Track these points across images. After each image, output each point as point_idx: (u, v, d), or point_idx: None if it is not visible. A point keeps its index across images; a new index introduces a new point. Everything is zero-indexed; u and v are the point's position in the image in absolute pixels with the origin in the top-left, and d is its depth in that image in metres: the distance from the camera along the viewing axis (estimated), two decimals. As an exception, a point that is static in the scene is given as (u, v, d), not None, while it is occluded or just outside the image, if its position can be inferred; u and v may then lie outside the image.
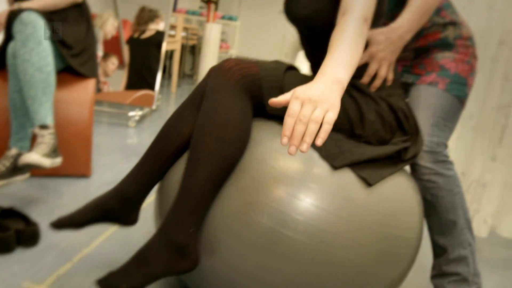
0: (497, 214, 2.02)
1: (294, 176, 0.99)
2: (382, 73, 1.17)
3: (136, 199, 1.18)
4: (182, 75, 5.04)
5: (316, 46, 1.26)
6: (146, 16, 3.74)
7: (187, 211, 1.00)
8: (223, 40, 5.46)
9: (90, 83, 2.03)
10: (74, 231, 1.56)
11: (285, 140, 0.74)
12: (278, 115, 1.14)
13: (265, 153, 1.03)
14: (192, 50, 5.28)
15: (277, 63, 1.15)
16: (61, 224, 1.15)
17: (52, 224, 1.15)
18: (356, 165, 1.05)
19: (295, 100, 0.76)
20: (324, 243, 0.95)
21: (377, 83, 1.17)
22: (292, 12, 1.25)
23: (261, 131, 1.09)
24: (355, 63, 0.87)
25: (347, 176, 1.01)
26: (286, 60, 8.47)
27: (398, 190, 1.08)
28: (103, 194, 1.18)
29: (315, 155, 1.03)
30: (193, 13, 6.47)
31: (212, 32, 4.24)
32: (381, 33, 1.17)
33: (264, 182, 0.99)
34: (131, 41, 3.66)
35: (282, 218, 0.96)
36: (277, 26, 8.45)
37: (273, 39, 8.49)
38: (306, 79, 1.13)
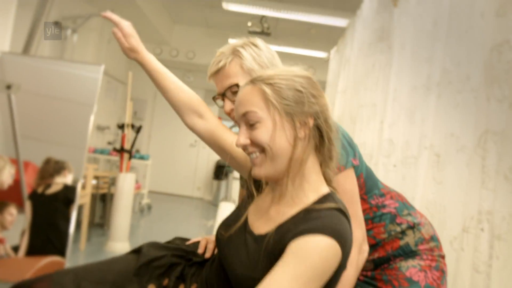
0: None
1: None
2: None
3: None
4: (92, 224, 4.58)
5: None
6: (51, 168, 3.33)
7: None
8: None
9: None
10: None
11: None
12: None
13: None
14: (103, 197, 4.89)
15: None
16: None
17: None
18: None
19: None
20: None
21: None
22: (226, 263, 1.11)
23: None
24: None
25: None
26: (199, 193, 8.27)
27: None
28: None
29: None
30: (102, 152, 6.09)
31: (126, 182, 3.94)
32: None
33: None
34: (34, 197, 3.18)
35: None
36: (189, 160, 8.35)
37: (185, 173, 8.33)
38: None
